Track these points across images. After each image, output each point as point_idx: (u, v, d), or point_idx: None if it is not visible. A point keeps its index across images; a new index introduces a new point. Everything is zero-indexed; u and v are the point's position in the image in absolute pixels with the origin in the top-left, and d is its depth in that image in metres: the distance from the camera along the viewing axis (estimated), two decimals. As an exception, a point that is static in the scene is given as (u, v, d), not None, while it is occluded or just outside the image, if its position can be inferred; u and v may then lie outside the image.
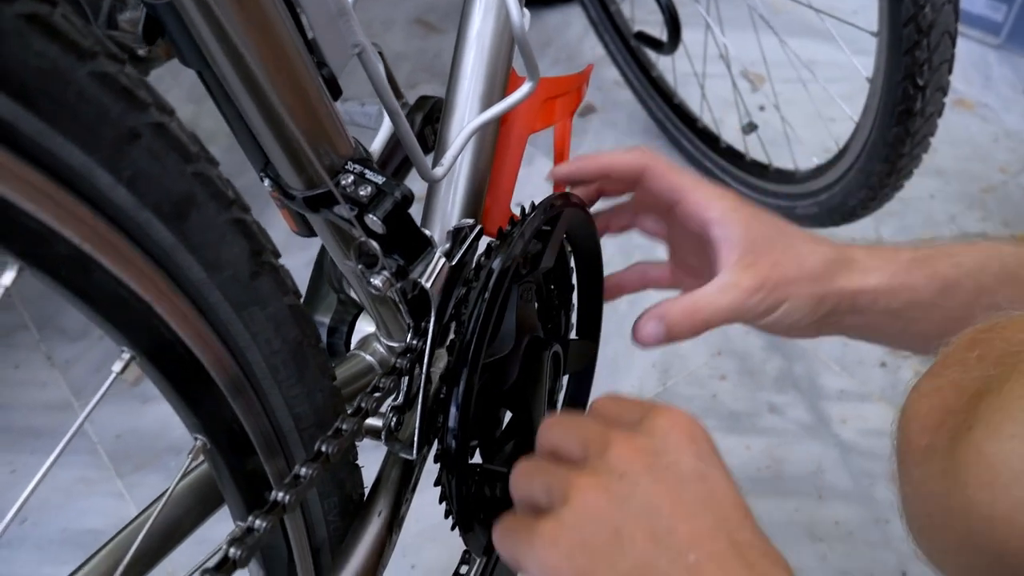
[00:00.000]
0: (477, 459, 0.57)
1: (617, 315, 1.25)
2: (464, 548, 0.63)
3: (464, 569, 0.62)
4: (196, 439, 0.42)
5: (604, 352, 1.16)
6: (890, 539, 0.96)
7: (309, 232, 0.55)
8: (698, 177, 0.59)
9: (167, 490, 0.46)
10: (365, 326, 0.61)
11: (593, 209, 0.63)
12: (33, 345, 1.16)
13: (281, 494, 0.39)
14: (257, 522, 0.38)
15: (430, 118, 0.63)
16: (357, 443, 0.53)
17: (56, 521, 0.97)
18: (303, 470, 0.40)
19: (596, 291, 0.65)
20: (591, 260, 0.64)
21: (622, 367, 1.16)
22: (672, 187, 0.58)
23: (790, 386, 1.13)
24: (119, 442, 1.05)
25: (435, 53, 1.72)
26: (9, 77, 0.26)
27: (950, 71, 0.84)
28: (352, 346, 0.61)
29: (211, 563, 0.36)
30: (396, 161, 0.61)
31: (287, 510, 0.38)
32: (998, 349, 0.39)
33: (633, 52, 1.46)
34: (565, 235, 0.59)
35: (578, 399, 0.68)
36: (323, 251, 0.67)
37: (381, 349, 0.58)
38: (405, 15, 1.82)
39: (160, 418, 1.08)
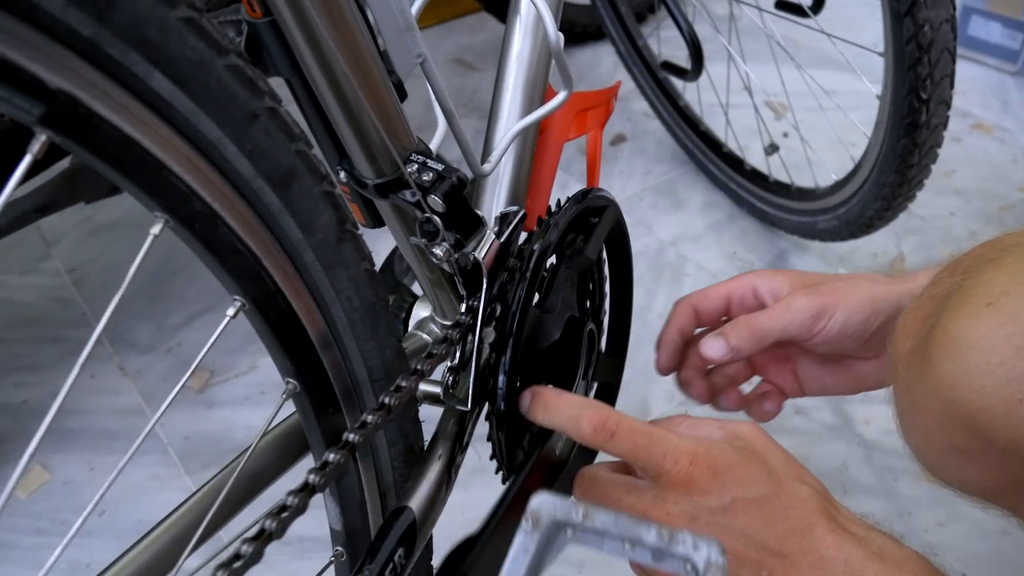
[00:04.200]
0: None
1: (650, 329, 1.32)
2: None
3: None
4: (288, 383, 0.49)
5: (639, 360, 1.23)
6: (914, 529, 1.01)
7: (375, 223, 0.63)
8: (731, 277, 0.68)
9: (259, 435, 0.54)
10: (421, 311, 0.69)
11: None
12: (107, 357, 1.25)
13: (352, 435, 0.46)
14: (332, 456, 0.45)
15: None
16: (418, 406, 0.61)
17: (131, 513, 1.06)
18: (370, 417, 0.47)
19: (626, 309, 0.72)
20: (623, 266, 0.70)
21: (655, 375, 1.23)
22: (716, 296, 0.67)
23: (815, 390, 1.19)
24: (187, 443, 1.14)
25: (473, 89, 1.82)
26: (171, 64, 0.35)
27: (951, 85, 0.91)
28: (409, 328, 0.69)
29: (294, 487, 0.44)
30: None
31: (356, 448, 0.45)
32: (965, 263, 0.47)
33: (661, 84, 1.55)
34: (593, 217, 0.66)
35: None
36: (392, 253, 0.76)
37: (436, 329, 0.66)
38: (444, 55, 1.93)
39: (224, 422, 1.16)
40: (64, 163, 0.96)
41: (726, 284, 0.68)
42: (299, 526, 1.15)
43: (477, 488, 1.10)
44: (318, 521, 1.05)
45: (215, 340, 0.45)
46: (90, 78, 0.32)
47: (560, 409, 0.54)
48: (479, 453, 1.08)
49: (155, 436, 1.14)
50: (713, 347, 0.62)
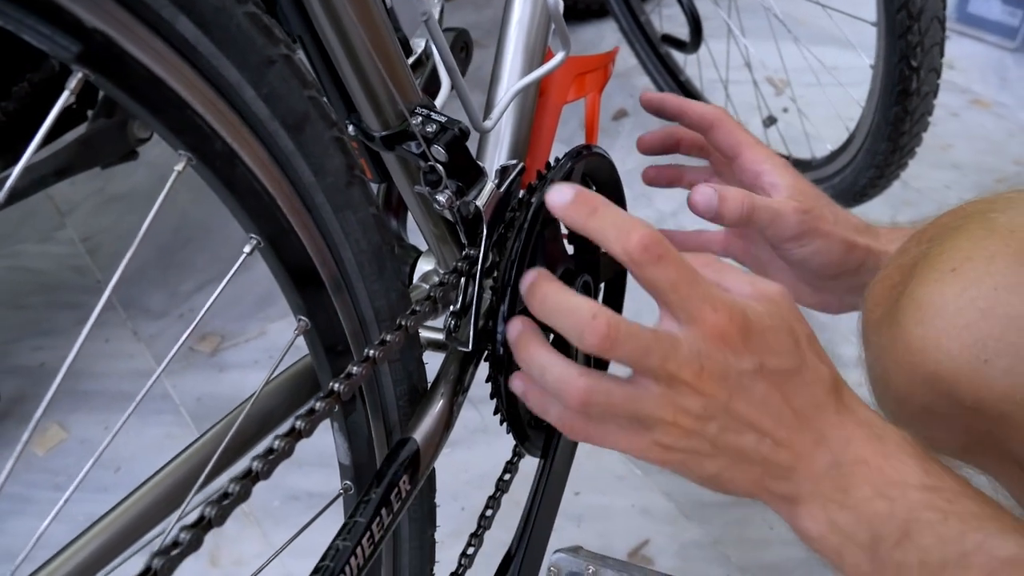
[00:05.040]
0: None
1: (648, 300, 1.35)
2: (508, 459, 0.73)
3: (507, 476, 0.72)
4: (300, 319, 0.53)
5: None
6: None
7: (382, 177, 0.66)
8: (757, 138, 0.68)
9: (268, 373, 0.57)
10: (425, 265, 0.72)
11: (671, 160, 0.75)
12: (121, 323, 1.29)
13: (371, 351, 0.50)
14: (355, 368, 0.49)
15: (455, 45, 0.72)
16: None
17: (145, 470, 1.07)
18: (388, 336, 0.51)
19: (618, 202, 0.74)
20: (613, 188, 0.73)
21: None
22: (735, 141, 0.67)
23: (809, 356, 1.22)
24: (199, 404, 1.18)
25: (478, 66, 1.84)
26: (195, 9, 0.38)
27: (941, 54, 0.94)
28: (414, 281, 0.72)
29: (323, 393, 0.47)
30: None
31: (376, 363, 0.49)
32: (930, 232, 0.50)
33: (662, 59, 1.57)
34: (588, 175, 0.69)
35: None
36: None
37: (439, 280, 0.69)
38: (450, 32, 1.96)
39: (235, 384, 1.20)
40: (81, 128, 0.99)
41: (748, 148, 0.66)
42: (309, 482, 1.18)
43: (480, 447, 1.14)
44: (326, 476, 1.08)
45: (233, 274, 0.48)
46: (123, 19, 0.35)
47: (608, 216, 0.48)
48: (481, 414, 1.12)
49: (168, 397, 1.18)
50: (703, 201, 0.61)
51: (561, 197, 0.49)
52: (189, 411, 1.17)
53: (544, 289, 0.49)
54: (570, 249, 0.71)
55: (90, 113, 0.99)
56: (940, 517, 0.43)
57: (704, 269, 0.50)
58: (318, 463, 1.09)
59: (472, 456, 1.12)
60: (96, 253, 1.41)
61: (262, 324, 1.29)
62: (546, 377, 0.49)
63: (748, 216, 0.61)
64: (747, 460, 0.47)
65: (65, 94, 0.36)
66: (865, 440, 0.46)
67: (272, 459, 0.43)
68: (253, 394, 0.57)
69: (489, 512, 0.72)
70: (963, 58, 1.75)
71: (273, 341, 1.27)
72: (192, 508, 0.51)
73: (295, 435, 0.44)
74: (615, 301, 0.77)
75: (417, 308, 0.53)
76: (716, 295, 0.47)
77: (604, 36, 1.92)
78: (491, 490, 0.74)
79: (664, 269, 0.47)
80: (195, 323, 0.50)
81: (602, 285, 0.75)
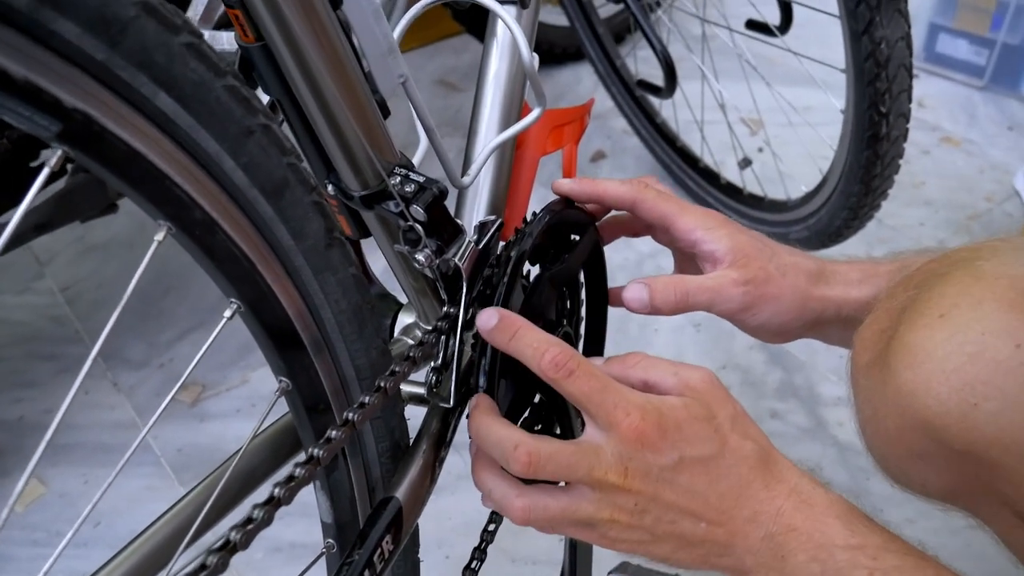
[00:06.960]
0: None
1: (629, 338, 1.36)
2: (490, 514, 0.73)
3: (492, 527, 0.72)
4: (281, 381, 0.53)
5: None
6: (885, 525, 1.05)
7: (361, 233, 0.67)
8: (685, 203, 0.66)
9: (252, 432, 0.57)
10: (405, 318, 0.72)
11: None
12: (100, 374, 1.28)
13: (350, 415, 0.50)
14: (334, 433, 0.49)
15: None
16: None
17: (125, 523, 1.08)
18: (366, 398, 0.51)
19: (601, 307, 0.74)
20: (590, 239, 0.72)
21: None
22: (661, 216, 0.65)
23: (790, 395, 1.23)
24: (180, 455, 1.17)
25: (457, 109, 1.86)
26: (175, 85, 0.39)
27: (909, 100, 0.96)
28: (395, 334, 0.72)
29: (300, 458, 0.47)
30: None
31: (355, 426, 0.49)
32: (917, 278, 0.51)
33: (638, 102, 1.60)
34: (565, 227, 0.69)
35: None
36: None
37: (420, 334, 0.70)
38: (429, 76, 1.98)
39: (216, 434, 1.19)
40: (60, 183, 0.99)
41: (676, 218, 0.64)
42: (291, 533, 1.17)
43: (464, 493, 1.14)
44: (308, 527, 1.07)
45: (213, 340, 0.48)
46: (102, 98, 0.36)
47: (526, 338, 0.54)
48: (464, 460, 1.12)
49: (149, 449, 1.17)
50: (635, 298, 0.62)
51: (487, 323, 0.55)
52: (170, 462, 1.16)
53: (477, 422, 0.55)
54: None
55: (69, 167, 0.99)
56: (866, 573, 0.47)
57: (632, 369, 0.56)
58: (301, 513, 1.08)
59: (456, 503, 1.12)
60: (75, 303, 1.40)
61: (243, 372, 1.28)
62: (493, 497, 0.56)
63: (683, 302, 0.62)
64: (688, 543, 0.51)
65: (45, 171, 0.37)
66: (794, 509, 0.50)
67: (250, 529, 0.43)
68: (236, 452, 0.57)
69: (475, 564, 0.72)
70: (932, 96, 1.79)
71: (255, 389, 1.26)
72: (176, 573, 0.51)
73: (274, 503, 0.44)
74: (598, 288, 0.76)
75: (397, 368, 0.53)
76: (629, 399, 0.51)
77: (581, 79, 1.95)
78: (476, 537, 0.73)
79: (576, 382, 0.52)
80: (180, 382, 0.50)
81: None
